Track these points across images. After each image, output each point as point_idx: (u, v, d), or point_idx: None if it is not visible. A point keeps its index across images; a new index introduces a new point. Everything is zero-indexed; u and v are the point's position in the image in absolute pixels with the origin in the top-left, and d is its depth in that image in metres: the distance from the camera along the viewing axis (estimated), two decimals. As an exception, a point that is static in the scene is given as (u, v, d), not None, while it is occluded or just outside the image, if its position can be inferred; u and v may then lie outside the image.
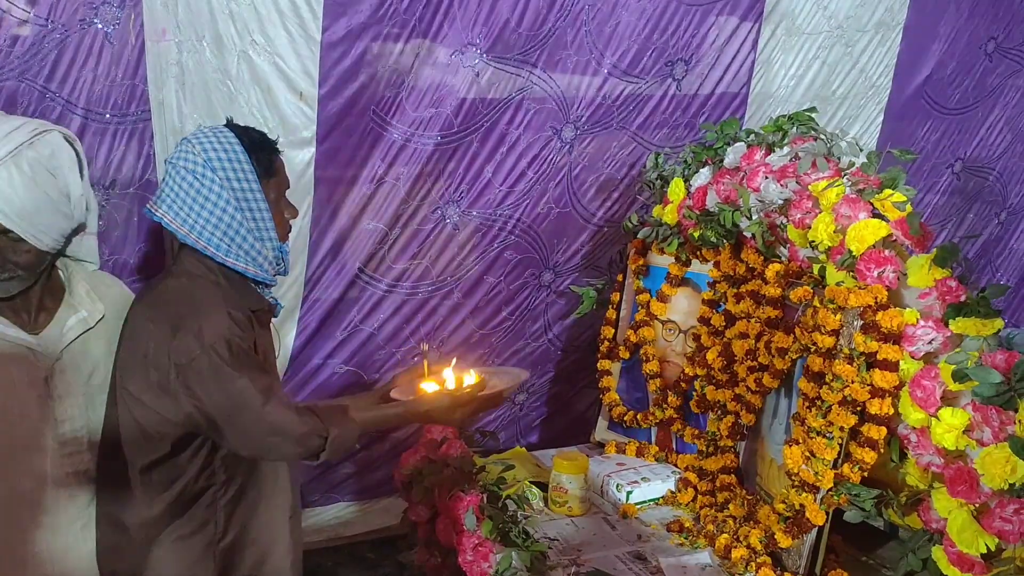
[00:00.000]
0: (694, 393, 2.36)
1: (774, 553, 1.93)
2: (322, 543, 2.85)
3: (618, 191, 2.77)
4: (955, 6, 3.05)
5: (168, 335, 1.66)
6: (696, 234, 2.30)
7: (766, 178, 2.07)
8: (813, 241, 1.91)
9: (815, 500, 1.84)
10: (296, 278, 2.44)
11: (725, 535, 2.03)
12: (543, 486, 2.31)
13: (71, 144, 1.71)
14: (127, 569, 1.77)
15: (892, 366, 1.75)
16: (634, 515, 2.23)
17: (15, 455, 1.67)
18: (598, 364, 2.65)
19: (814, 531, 1.86)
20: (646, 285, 2.56)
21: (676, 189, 2.38)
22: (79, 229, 1.76)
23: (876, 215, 1.84)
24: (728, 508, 2.14)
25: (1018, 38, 3.23)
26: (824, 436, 1.82)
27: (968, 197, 3.51)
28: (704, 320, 2.37)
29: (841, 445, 1.81)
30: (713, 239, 2.24)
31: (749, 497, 2.14)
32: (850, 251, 1.82)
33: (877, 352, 1.76)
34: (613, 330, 2.63)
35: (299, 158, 2.29)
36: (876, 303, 1.77)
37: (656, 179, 2.52)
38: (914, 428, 1.72)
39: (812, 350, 1.91)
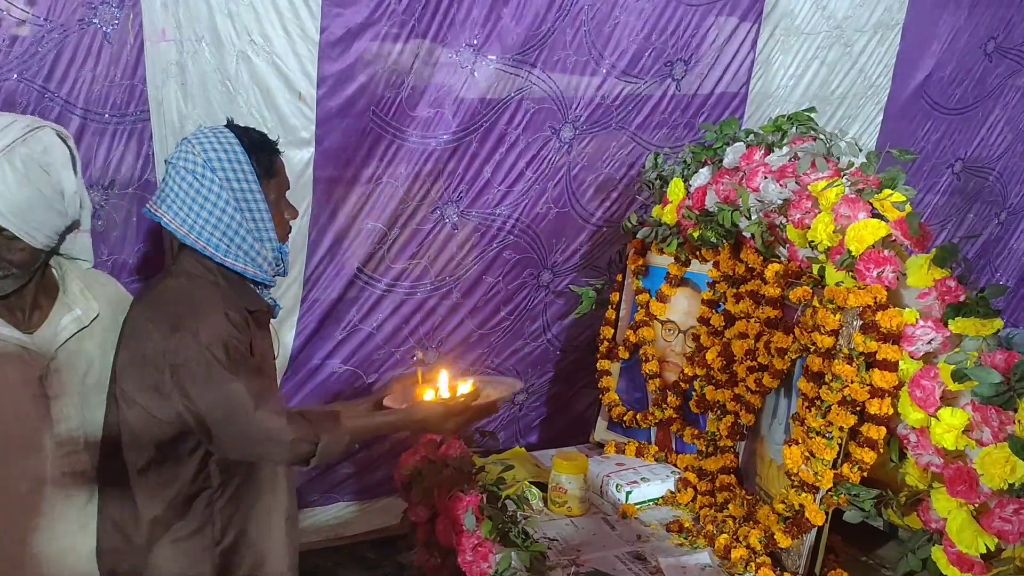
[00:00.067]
0: (693, 393, 2.36)
1: (774, 553, 1.93)
2: (322, 543, 2.85)
3: (617, 191, 2.77)
4: (954, 6, 3.05)
5: (165, 335, 1.66)
6: (695, 234, 2.30)
7: (765, 178, 2.07)
8: (812, 241, 1.91)
9: (815, 500, 1.83)
10: (295, 278, 2.44)
11: (725, 535, 2.02)
12: (542, 486, 2.31)
13: (64, 141, 1.70)
14: (128, 570, 1.77)
15: (891, 366, 1.75)
16: (633, 515, 2.23)
17: (11, 456, 1.66)
18: (598, 364, 2.65)
19: (814, 531, 1.86)
20: (645, 285, 2.56)
21: (675, 189, 2.37)
22: (73, 226, 1.75)
23: (875, 215, 1.84)
24: (728, 508, 2.14)
25: (1018, 38, 3.23)
26: (823, 436, 1.82)
27: (968, 197, 3.51)
28: (703, 320, 2.36)
29: (840, 445, 1.81)
30: (712, 239, 2.24)
31: (749, 497, 2.14)
32: (849, 251, 1.82)
33: (876, 352, 1.76)
34: (612, 330, 2.63)
35: (298, 158, 2.28)
36: (875, 303, 1.77)
37: (655, 179, 2.52)
38: (913, 428, 1.72)
39: (811, 350, 1.91)
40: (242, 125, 1.82)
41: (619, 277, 2.66)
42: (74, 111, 2.02)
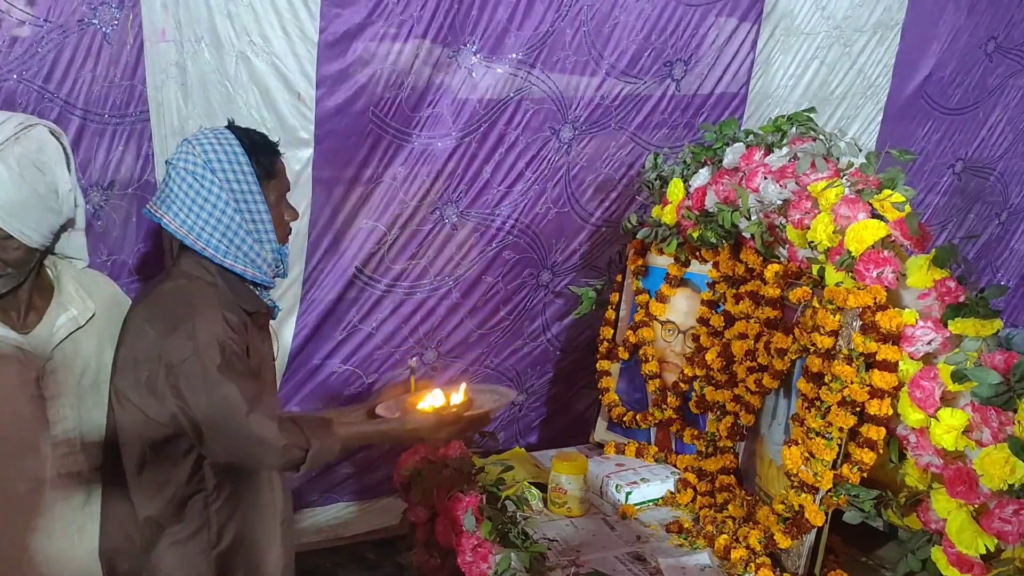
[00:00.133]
0: (693, 394, 2.36)
1: (773, 554, 1.93)
2: (321, 543, 2.85)
3: (616, 191, 2.77)
4: (954, 6, 3.05)
5: (162, 335, 1.66)
6: (695, 235, 2.29)
7: (765, 178, 2.07)
8: (812, 241, 1.91)
9: (814, 501, 1.83)
10: (295, 278, 2.44)
11: (724, 536, 2.02)
12: (542, 487, 2.31)
13: (57, 138, 1.70)
14: (129, 570, 1.77)
15: (891, 367, 1.75)
16: (633, 516, 2.23)
17: (9, 457, 1.66)
18: (597, 364, 2.65)
19: (813, 532, 1.85)
20: (645, 286, 2.56)
21: (675, 189, 2.37)
22: (67, 225, 1.74)
23: (875, 215, 1.84)
24: (727, 509, 2.14)
25: (1018, 38, 3.22)
26: (823, 437, 1.82)
27: (969, 197, 3.51)
28: (703, 321, 2.36)
29: (840, 446, 1.81)
30: (712, 240, 2.24)
31: (748, 498, 2.14)
32: (849, 251, 1.82)
33: (876, 353, 1.76)
34: (612, 331, 2.63)
35: (297, 159, 2.28)
36: (875, 304, 1.77)
37: (655, 179, 2.52)
38: (913, 429, 1.72)
39: (811, 351, 1.91)
40: (243, 126, 1.82)
41: (619, 277, 2.66)
42: (74, 112, 2.02)
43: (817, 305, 1.91)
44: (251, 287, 1.81)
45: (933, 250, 1.74)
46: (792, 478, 1.88)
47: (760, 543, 1.93)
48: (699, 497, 2.25)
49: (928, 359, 1.74)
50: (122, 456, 1.73)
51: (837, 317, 1.85)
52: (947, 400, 1.68)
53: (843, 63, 2.92)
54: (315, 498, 2.80)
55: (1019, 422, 1.55)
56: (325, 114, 2.28)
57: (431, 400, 1.94)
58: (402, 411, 1.92)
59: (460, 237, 2.62)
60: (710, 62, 2.72)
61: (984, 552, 1.59)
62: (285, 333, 2.49)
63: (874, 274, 1.79)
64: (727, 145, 2.31)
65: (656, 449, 2.48)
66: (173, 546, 1.75)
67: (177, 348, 1.64)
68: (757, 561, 1.92)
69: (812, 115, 2.25)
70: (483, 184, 2.57)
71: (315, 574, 2.87)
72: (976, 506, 1.61)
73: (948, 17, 3.06)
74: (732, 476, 2.22)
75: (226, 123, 1.81)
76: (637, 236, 2.54)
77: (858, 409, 1.78)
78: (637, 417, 2.52)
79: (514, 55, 2.43)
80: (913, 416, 1.70)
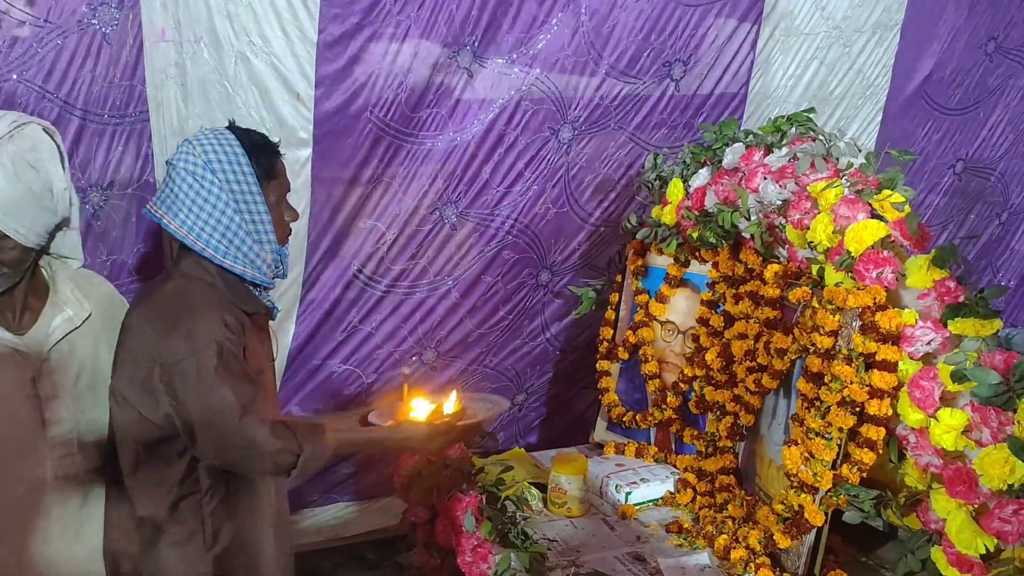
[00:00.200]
0: (693, 394, 2.36)
1: (773, 554, 1.93)
2: (321, 544, 2.86)
3: (615, 191, 2.77)
4: (953, 6, 3.05)
5: (159, 335, 1.66)
6: (695, 235, 2.29)
7: (765, 179, 2.07)
8: (812, 242, 1.91)
9: (814, 501, 1.83)
10: (294, 279, 2.44)
11: (724, 536, 2.02)
12: (542, 487, 2.31)
13: (51, 136, 1.69)
14: (130, 571, 1.77)
15: (891, 367, 1.75)
16: (633, 516, 2.23)
17: (5, 459, 1.65)
18: (597, 365, 2.65)
19: (813, 532, 1.85)
20: (645, 286, 2.56)
21: (675, 190, 2.37)
22: (62, 224, 1.74)
23: (875, 216, 1.84)
24: (727, 509, 2.14)
25: (1018, 38, 3.22)
26: (823, 437, 1.82)
27: (969, 197, 3.51)
28: (703, 321, 2.36)
29: (840, 446, 1.81)
30: (712, 240, 2.24)
31: (748, 498, 2.14)
32: (849, 252, 1.82)
33: (876, 353, 1.75)
34: (612, 331, 2.63)
35: (296, 159, 2.28)
36: (875, 304, 1.77)
37: (655, 180, 2.51)
38: (913, 429, 1.72)
39: (811, 351, 1.91)
40: (243, 127, 1.81)
41: (618, 278, 2.66)
42: (73, 112, 2.02)
43: (817, 305, 1.91)
44: (251, 287, 1.81)
45: (933, 250, 1.74)
46: (792, 478, 1.88)
47: (760, 543, 1.93)
48: (699, 497, 2.25)
49: (928, 359, 1.74)
50: (118, 456, 1.74)
51: (837, 317, 1.85)
52: (947, 400, 1.68)
53: (842, 63, 2.92)
54: (315, 498, 2.80)
55: (1019, 422, 1.55)
56: (324, 114, 2.28)
57: (423, 409, 1.93)
58: (394, 419, 1.91)
59: (459, 237, 2.62)
60: (710, 62, 2.72)
61: (984, 552, 1.59)
62: (285, 333, 2.50)
63: (874, 274, 1.79)
64: (727, 145, 2.31)
65: (656, 449, 2.48)
66: (173, 547, 1.75)
67: (174, 348, 1.64)
68: (757, 561, 1.92)
69: (812, 115, 2.25)
70: (482, 184, 2.57)
71: (315, 574, 2.87)
72: (976, 506, 1.61)
73: (948, 17, 3.06)
74: (732, 476, 2.21)
75: (226, 123, 1.81)
76: (637, 236, 2.54)
77: (858, 409, 1.78)
78: (637, 417, 2.52)
79: (513, 55, 2.43)
80: (913, 416, 1.70)
